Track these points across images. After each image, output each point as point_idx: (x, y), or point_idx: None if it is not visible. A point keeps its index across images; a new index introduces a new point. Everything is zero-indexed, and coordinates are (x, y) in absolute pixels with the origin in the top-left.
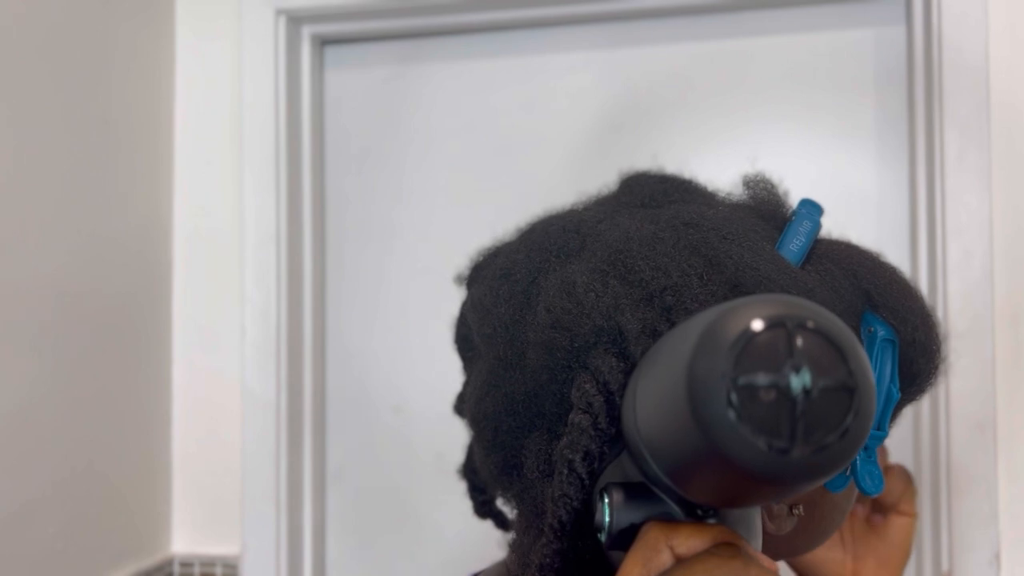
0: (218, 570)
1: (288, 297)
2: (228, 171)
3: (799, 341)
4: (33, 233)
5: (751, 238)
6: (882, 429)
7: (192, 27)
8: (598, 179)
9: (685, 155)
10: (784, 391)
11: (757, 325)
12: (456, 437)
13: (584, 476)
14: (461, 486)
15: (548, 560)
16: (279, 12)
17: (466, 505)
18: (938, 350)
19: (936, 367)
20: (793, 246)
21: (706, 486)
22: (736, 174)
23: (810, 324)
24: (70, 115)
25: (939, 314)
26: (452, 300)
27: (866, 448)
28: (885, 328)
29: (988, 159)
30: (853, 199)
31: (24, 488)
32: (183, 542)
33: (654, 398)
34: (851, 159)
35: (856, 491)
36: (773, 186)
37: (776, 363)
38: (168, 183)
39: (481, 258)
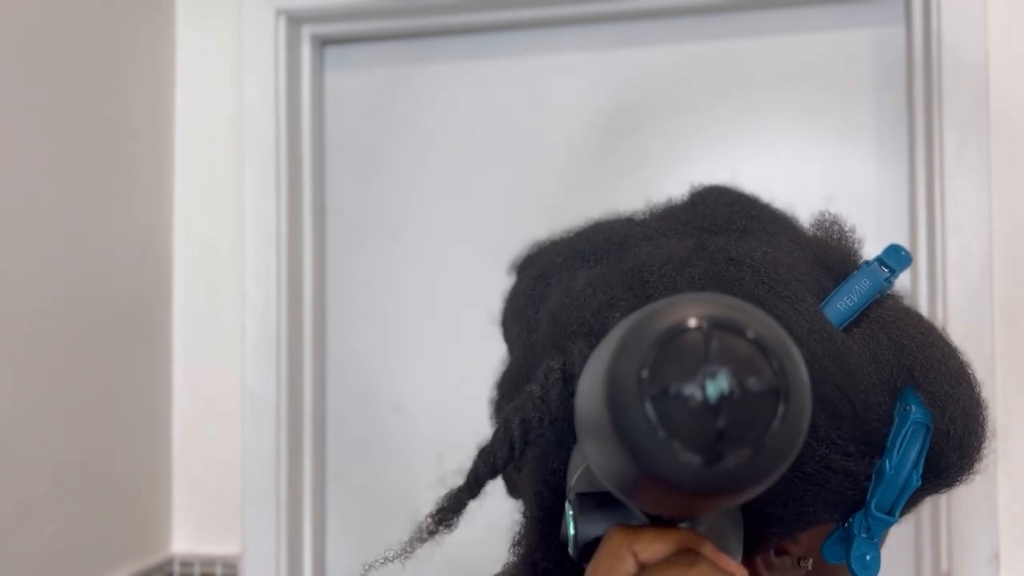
0: (218, 570)
1: (288, 297)
2: (229, 171)
3: (716, 343)
4: (33, 233)
5: (794, 288)
6: (892, 514)
7: (192, 27)
8: (597, 179)
9: (684, 155)
10: (701, 398)
11: (677, 325)
12: (456, 437)
13: (516, 441)
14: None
15: (449, 512)
16: (279, 12)
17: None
18: (975, 448)
19: (968, 466)
20: (842, 304)
21: (645, 498)
22: (735, 175)
23: (729, 324)
24: (70, 116)
25: (939, 314)
26: (452, 300)
27: (868, 529)
28: (921, 410)
29: (987, 158)
30: (853, 199)
31: (25, 487)
32: (183, 542)
33: (583, 399)
34: (851, 159)
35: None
36: (844, 232)
37: (693, 367)
38: (169, 183)
39: (531, 250)
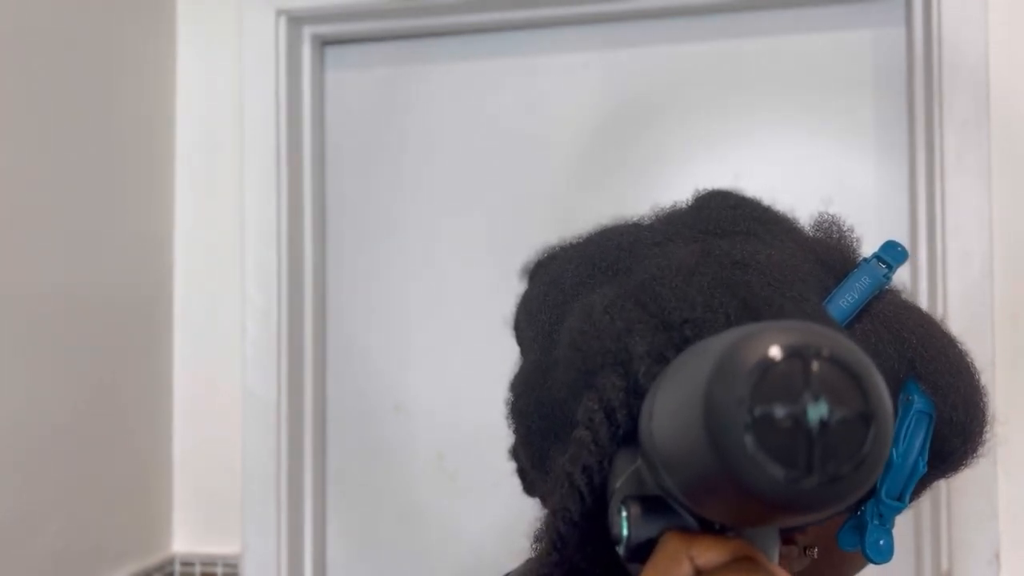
0: (219, 570)
1: (289, 297)
2: (229, 171)
3: (816, 370)
4: (34, 234)
5: (799, 288)
6: (903, 501)
7: (193, 28)
8: (596, 179)
9: (684, 156)
10: (801, 421)
11: (775, 354)
12: (456, 437)
13: (583, 490)
14: (461, 486)
15: (547, 571)
16: (280, 12)
17: (466, 505)
18: (977, 433)
19: (972, 450)
20: (844, 302)
21: (720, 507)
22: (736, 175)
23: (826, 353)
24: (71, 116)
25: (939, 314)
26: (452, 300)
27: (880, 515)
28: (923, 400)
29: (988, 159)
30: (853, 199)
31: (26, 488)
32: (184, 542)
33: (670, 418)
34: (851, 160)
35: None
36: (843, 232)
37: (794, 393)
38: (169, 183)
39: (543, 256)
